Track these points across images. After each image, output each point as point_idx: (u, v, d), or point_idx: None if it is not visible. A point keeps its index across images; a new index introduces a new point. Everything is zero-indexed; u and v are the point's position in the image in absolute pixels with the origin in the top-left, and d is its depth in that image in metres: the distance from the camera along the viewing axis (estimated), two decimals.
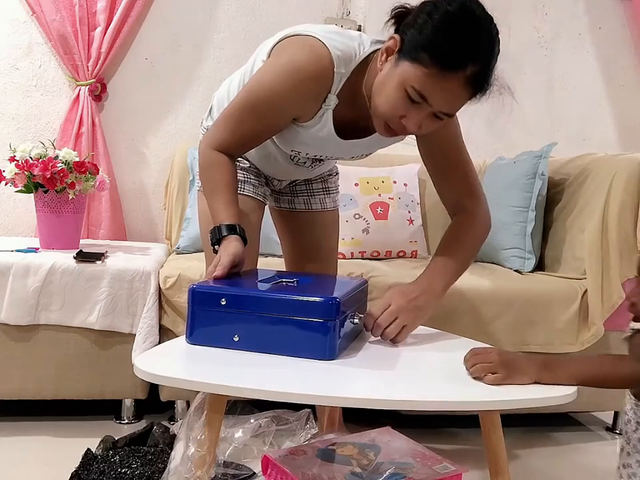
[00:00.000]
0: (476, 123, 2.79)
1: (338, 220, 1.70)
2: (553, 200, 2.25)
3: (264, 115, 1.26)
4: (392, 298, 1.22)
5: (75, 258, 1.90)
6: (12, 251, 1.97)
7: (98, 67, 2.51)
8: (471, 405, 0.95)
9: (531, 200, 2.20)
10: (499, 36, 1.13)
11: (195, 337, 1.10)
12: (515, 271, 2.19)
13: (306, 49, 1.21)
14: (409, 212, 2.46)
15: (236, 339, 1.07)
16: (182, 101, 2.67)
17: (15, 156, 2.04)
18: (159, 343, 1.86)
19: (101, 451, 1.61)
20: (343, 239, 2.30)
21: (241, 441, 1.42)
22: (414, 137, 1.33)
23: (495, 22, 1.12)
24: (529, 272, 2.18)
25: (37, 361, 1.88)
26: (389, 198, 2.45)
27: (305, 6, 2.72)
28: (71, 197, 2.05)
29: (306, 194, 1.63)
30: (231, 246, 1.19)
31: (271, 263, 2.00)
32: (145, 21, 2.60)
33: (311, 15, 2.71)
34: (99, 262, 1.90)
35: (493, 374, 0.99)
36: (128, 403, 1.99)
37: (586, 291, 1.98)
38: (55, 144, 2.26)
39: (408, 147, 1.44)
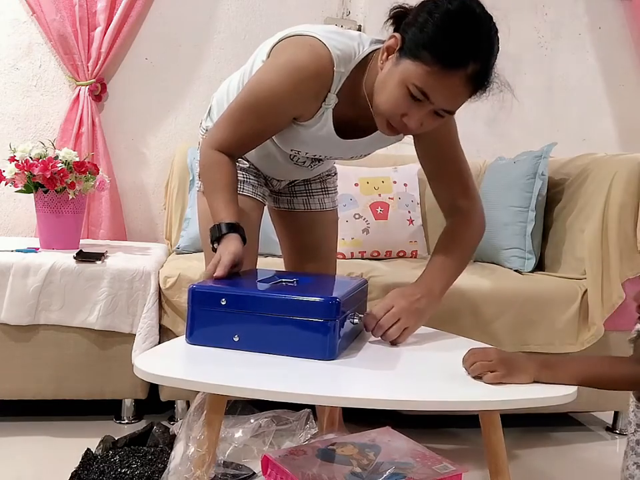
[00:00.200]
0: (476, 123, 2.80)
1: (337, 220, 1.70)
2: (553, 200, 2.25)
3: (264, 114, 1.27)
4: (394, 299, 1.22)
5: (75, 258, 1.90)
6: (12, 250, 1.97)
7: (98, 67, 2.51)
8: (471, 405, 0.95)
9: (531, 200, 2.20)
10: (498, 34, 1.14)
11: (194, 337, 1.10)
12: (515, 270, 2.19)
13: (306, 49, 1.21)
14: (409, 212, 2.46)
15: (236, 339, 1.07)
16: (182, 101, 2.67)
17: (15, 156, 2.04)
18: (159, 343, 1.86)
19: (100, 451, 1.61)
20: (343, 239, 2.30)
21: (241, 441, 1.41)
22: (411, 136, 1.34)
23: (494, 21, 1.13)
24: (529, 272, 2.18)
25: (37, 361, 1.88)
26: (389, 198, 2.45)
27: (304, 6, 2.72)
28: (70, 197, 2.05)
29: (305, 194, 1.63)
30: (231, 244, 1.20)
31: (271, 263, 2.00)
32: (145, 21, 2.60)
33: (310, 14, 2.71)
34: (99, 262, 1.90)
35: (492, 372, 0.99)
36: (128, 403, 1.98)
37: (586, 291, 1.98)
38: (55, 144, 2.26)
39: (408, 146, 1.44)
